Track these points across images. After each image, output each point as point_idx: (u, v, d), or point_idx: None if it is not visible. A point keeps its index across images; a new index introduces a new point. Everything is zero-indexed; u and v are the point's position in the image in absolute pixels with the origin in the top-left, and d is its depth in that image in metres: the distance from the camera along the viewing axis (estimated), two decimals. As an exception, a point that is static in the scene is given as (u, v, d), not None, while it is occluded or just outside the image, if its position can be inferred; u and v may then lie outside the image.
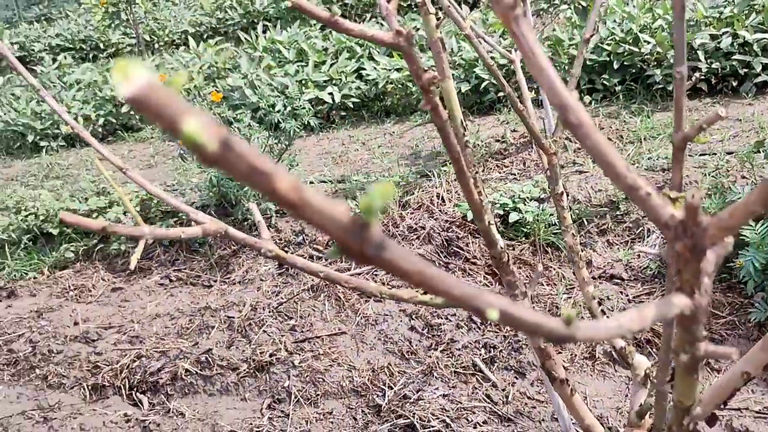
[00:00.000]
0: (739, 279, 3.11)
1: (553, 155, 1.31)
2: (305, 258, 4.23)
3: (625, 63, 5.45)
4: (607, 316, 1.32)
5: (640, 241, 3.68)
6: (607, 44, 5.55)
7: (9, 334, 3.84)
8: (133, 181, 0.95)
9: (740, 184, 3.65)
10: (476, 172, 1.12)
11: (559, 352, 2.92)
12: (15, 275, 4.56)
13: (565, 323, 0.40)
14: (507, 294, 1.20)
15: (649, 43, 5.34)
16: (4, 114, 7.46)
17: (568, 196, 3.91)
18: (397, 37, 0.73)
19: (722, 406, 1.32)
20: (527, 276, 3.64)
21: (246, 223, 4.51)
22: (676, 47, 0.74)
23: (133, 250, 4.61)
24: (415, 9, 8.84)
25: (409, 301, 1.09)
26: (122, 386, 3.31)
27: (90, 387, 3.35)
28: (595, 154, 0.51)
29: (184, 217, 4.70)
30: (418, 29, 6.29)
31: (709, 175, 3.84)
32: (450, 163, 4.69)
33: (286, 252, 3.42)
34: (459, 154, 0.89)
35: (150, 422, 3.02)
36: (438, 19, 1.10)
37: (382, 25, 7.59)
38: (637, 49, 5.38)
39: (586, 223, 3.86)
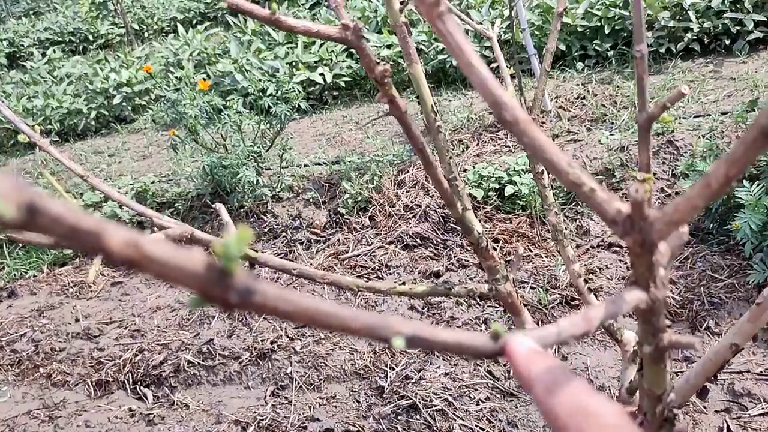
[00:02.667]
0: (737, 241, 3.09)
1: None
2: (303, 242, 4.22)
3: (616, 27, 5.39)
4: (596, 294, 1.31)
5: (636, 208, 3.66)
6: (597, 9, 5.49)
7: (11, 334, 3.84)
8: (96, 188, 0.93)
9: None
10: (450, 158, 1.10)
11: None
12: (15, 274, 4.56)
13: (493, 338, 0.38)
14: (489, 279, 1.19)
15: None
16: (-3, 112, 7.42)
17: (548, 174, 3.87)
18: (344, 32, 0.71)
19: (713, 379, 1.31)
20: (526, 248, 3.62)
21: (242, 210, 4.50)
22: (635, 25, 0.71)
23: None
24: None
25: (388, 293, 1.08)
26: (126, 381, 3.32)
27: (94, 383, 3.35)
28: (535, 150, 0.49)
29: (180, 207, 4.69)
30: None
31: (703, 137, 3.81)
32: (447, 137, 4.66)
33: (284, 238, 3.39)
34: (423, 145, 0.87)
35: (155, 415, 3.03)
36: (402, 2, 1.08)
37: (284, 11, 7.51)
38: (627, 13, 5.31)
39: (582, 192, 3.83)
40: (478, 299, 3.32)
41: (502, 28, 5.34)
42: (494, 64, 1.50)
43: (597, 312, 0.48)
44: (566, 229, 3.67)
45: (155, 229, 0.86)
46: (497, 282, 1.15)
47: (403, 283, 1.06)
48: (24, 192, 0.23)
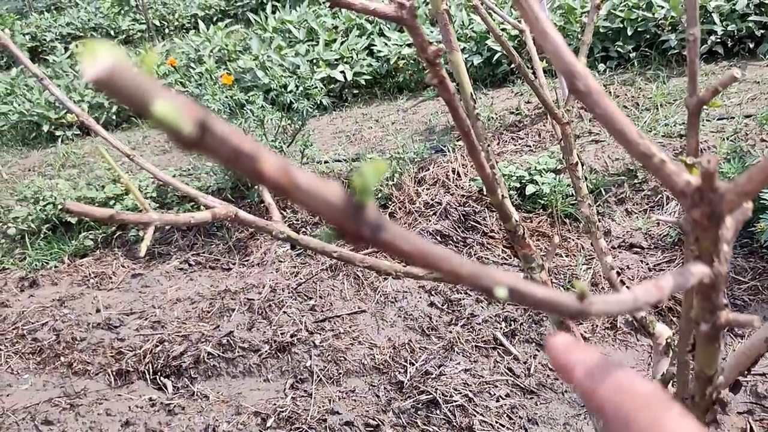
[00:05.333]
0: (761, 243, 3.07)
1: (567, 125, 1.29)
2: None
3: (639, 29, 5.37)
4: (627, 287, 1.30)
5: (658, 209, 3.65)
6: (620, 11, 5.47)
7: (33, 323, 3.88)
8: (141, 167, 0.94)
9: (759, 148, 3.59)
10: (488, 145, 1.10)
11: (579, 324, 2.91)
12: (36, 265, 4.60)
13: (579, 298, 0.38)
14: (525, 268, 1.19)
15: (662, 8, 5.25)
16: (19, 105, 7.49)
17: (583, 166, 3.86)
18: (400, 10, 0.71)
19: (746, 373, 1.30)
20: (546, 248, 3.61)
21: (262, 205, 4.51)
22: (688, 8, 0.71)
23: (152, 236, 4.64)
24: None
25: (425, 278, 1.08)
26: (146, 371, 3.34)
27: (114, 373, 3.38)
28: (606, 121, 0.49)
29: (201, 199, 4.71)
30: (426, 2, 6.23)
31: (727, 139, 3.79)
32: (464, 138, 4.66)
33: (304, 233, 3.44)
34: (468, 128, 0.87)
35: (175, 405, 3.05)
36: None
37: None
38: (650, 15, 5.29)
39: (603, 192, 3.82)
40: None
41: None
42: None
43: (667, 281, 0.48)
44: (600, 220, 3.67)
45: (202, 207, 0.87)
46: (532, 271, 1.15)
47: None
48: (198, 111, 0.24)
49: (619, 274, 1.29)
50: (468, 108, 1.09)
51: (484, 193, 3.97)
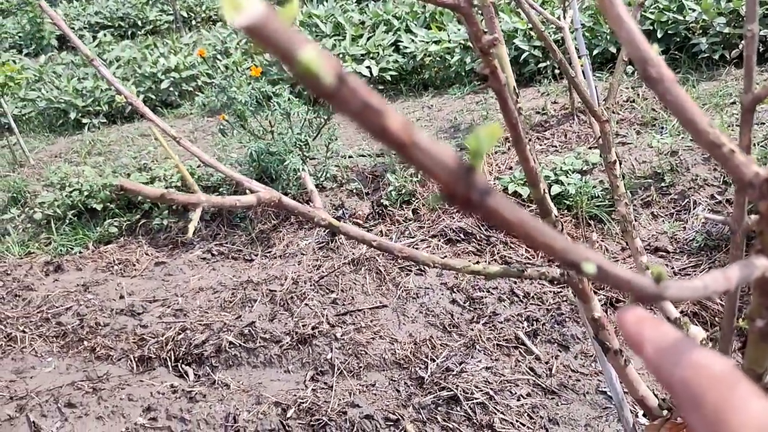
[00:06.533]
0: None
1: (606, 123, 1.28)
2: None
3: (669, 31, 5.33)
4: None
5: (685, 213, 3.62)
6: (651, 12, 5.42)
7: (57, 307, 3.92)
8: (188, 150, 0.94)
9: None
10: (529, 139, 1.10)
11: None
12: (61, 250, 4.65)
13: (655, 281, 0.38)
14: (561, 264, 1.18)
15: (694, 10, 5.20)
16: (47, 92, 7.56)
17: (621, 164, 3.83)
18: (458, -2, 0.71)
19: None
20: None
21: (287, 196, 4.52)
22: (747, 3, 0.71)
23: (175, 225, 4.67)
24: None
25: (462, 270, 1.08)
26: (168, 358, 3.37)
27: (137, 359, 3.41)
28: (676, 109, 0.49)
29: (224, 192, 4.74)
30: None
31: (758, 145, 3.75)
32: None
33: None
34: (516, 119, 0.87)
35: (196, 393, 3.07)
36: (490, -17, 1.08)
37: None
38: (681, 17, 5.25)
39: (630, 195, 3.79)
40: (549, 283, 3.31)
41: (562, 20, 5.31)
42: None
43: (734, 272, 0.48)
44: (614, 231, 3.65)
45: (247, 191, 0.88)
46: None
47: (477, 263, 1.06)
48: (337, 63, 0.24)
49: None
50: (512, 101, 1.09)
51: (509, 191, 3.96)
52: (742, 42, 4.87)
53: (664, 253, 3.45)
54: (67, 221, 4.90)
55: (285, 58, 0.24)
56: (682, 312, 2.82)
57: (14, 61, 7.68)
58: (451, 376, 2.89)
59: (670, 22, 5.32)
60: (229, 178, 0.99)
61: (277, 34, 0.23)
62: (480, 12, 1.08)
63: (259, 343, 3.31)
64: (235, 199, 0.86)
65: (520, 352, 3.00)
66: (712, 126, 0.50)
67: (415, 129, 0.26)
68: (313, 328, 3.31)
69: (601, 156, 1.32)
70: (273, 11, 0.23)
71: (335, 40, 6.89)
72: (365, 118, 0.25)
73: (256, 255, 4.17)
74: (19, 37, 10.84)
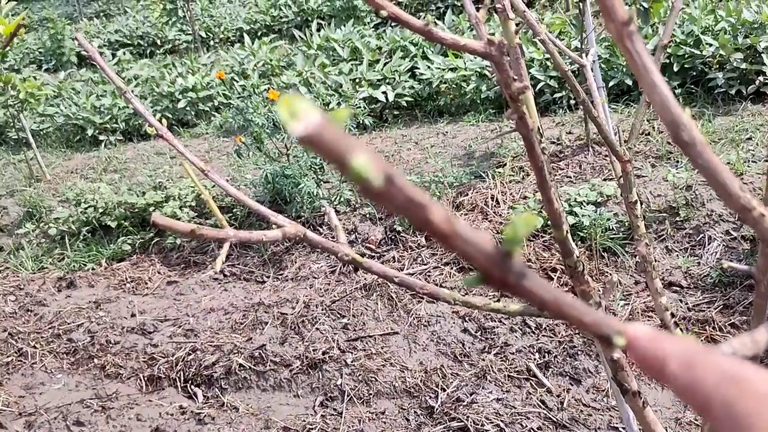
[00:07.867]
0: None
1: (628, 163, 1.29)
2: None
3: (686, 66, 5.34)
4: (680, 329, 1.30)
5: (700, 248, 3.61)
6: (668, 47, 5.44)
7: (69, 323, 3.94)
8: (215, 183, 0.96)
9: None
10: (553, 179, 1.11)
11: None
12: (74, 266, 4.68)
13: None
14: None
15: (711, 45, 5.22)
16: (65, 108, 7.64)
17: (642, 204, 3.83)
18: (489, 47, 0.73)
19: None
20: (603, 286, 3.58)
21: (299, 219, 4.54)
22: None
23: (188, 244, 4.68)
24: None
25: (483, 308, 1.08)
26: (177, 378, 3.37)
27: (146, 378, 3.41)
28: (708, 173, 0.50)
29: (238, 213, 4.76)
30: (493, 34, 6.26)
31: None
32: (504, 166, 4.67)
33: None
34: (542, 163, 0.88)
35: (205, 415, 3.07)
36: (517, 25, 1.10)
37: (436, 23, 7.57)
38: (698, 52, 5.26)
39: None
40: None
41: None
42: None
43: (761, 335, 0.49)
44: (628, 264, 3.64)
45: (273, 226, 0.89)
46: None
47: (498, 300, 1.07)
48: (385, 165, 0.25)
49: (673, 315, 1.28)
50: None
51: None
52: (759, 79, 4.88)
53: (677, 288, 3.43)
54: (81, 237, 4.93)
55: (339, 164, 0.25)
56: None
57: (35, 78, 7.77)
58: (461, 407, 2.88)
59: (686, 56, 5.34)
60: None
61: (332, 143, 0.25)
62: (506, 53, 1.09)
63: (269, 366, 3.31)
64: (261, 234, 0.87)
65: (531, 384, 2.99)
66: (742, 190, 0.51)
67: (456, 221, 0.27)
68: (323, 353, 3.31)
69: (621, 195, 1.33)
70: (327, 119, 0.24)
71: (352, 64, 6.94)
72: (411, 213, 0.27)
73: (268, 277, 4.18)
74: (40, 52, 10.97)
